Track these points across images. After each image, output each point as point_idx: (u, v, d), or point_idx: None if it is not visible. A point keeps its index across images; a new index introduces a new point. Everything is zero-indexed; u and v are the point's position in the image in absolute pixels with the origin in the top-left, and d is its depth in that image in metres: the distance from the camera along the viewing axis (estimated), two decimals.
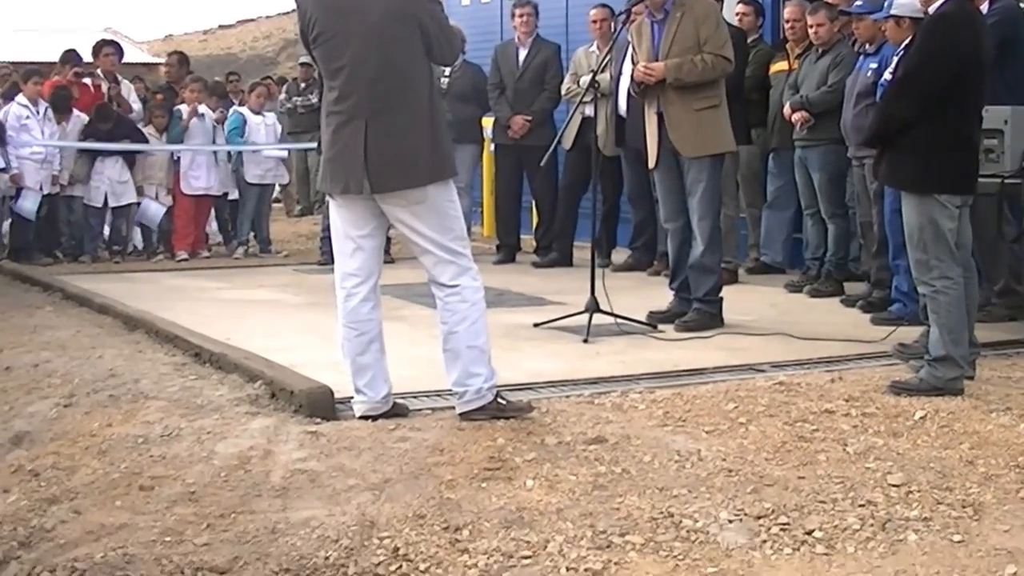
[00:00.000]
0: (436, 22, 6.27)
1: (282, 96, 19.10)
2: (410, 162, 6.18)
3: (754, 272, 11.39)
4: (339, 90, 6.27)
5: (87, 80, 13.89)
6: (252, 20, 71.90)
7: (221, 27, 72.17)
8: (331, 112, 6.32)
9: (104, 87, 13.90)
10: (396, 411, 6.43)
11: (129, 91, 14.41)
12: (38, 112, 13.05)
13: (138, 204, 13.56)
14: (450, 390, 6.41)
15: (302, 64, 20.21)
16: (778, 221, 11.33)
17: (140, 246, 13.84)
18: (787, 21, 11.01)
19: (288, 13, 69.64)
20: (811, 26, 10.35)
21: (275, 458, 5.73)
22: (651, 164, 9.08)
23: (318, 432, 6.07)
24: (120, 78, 14.44)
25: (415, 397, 6.78)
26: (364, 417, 6.34)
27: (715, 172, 8.94)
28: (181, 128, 13.56)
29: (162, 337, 8.59)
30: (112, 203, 13.36)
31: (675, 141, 8.82)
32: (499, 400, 6.30)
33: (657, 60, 8.84)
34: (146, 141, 13.50)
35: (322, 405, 6.49)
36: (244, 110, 14.22)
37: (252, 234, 14.21)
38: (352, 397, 6.46)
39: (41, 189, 12.96)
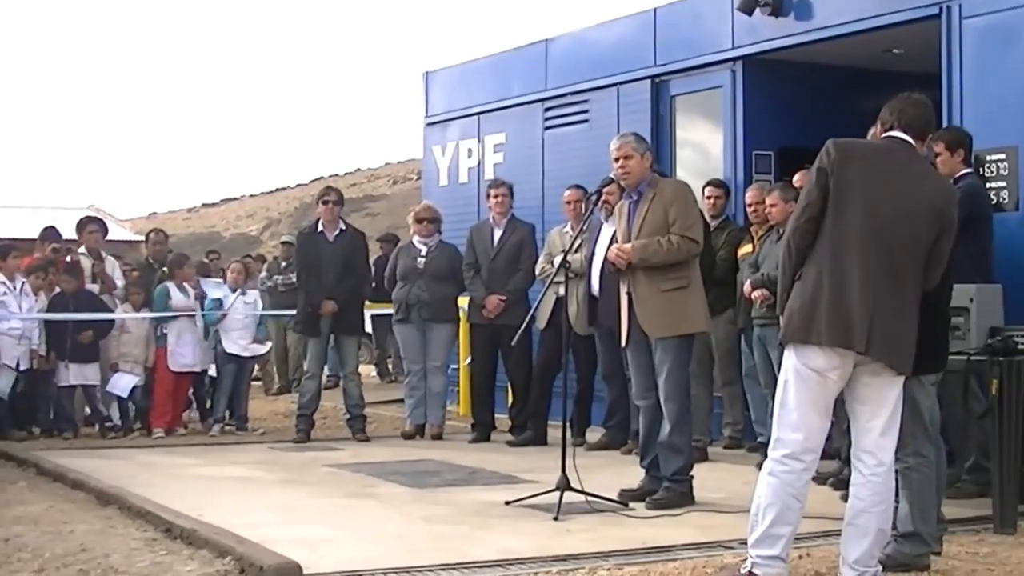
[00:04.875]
0: (946, 246, 6.43)
1: (263, 275, 19.24)
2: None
3: (753, 450, 11.30)
4: None
5: (66, 257, 14.00)
6: (236, 199, 72.88)
7: (205, 205, 73.11)
8: None
9: (86, 264, 13.98)
10: None
11: (113, 268, 14.48)
12: (15, 288, 13.12)
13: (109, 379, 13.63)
14: (424, 566, 6.45)
15: (283, 243, 20.47)
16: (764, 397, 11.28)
17: (118, 422, 13.77)
18: (749, 204, 11.25)
19: (271, 192, 70.58)
20: (766, 206, 10.57)
21: None
22: (623, 342, 9.21)
23: None
24: (104, 255, 14.54)
25: (384, 574, 6.77)
26: None
27: (682, 352, 9.05)
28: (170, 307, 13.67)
29: (134, 512, 8.59)
30: (75, 381, 13.42)
31: (642, 321, 8.96)
32: None
33: (629, 240, 9.02)
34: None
35: None
36: (222, 289, 14.36)
37: (228, 411, 14.23)
38: (321, 574, 6.46)
39: (18, 366, 12.99)
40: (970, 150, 9.30)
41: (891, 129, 6.57)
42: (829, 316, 6.21)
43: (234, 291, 14.24)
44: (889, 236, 6.26)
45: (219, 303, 14.07)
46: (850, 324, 6.18)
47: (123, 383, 13.62)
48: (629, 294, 9.03)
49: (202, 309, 13.95)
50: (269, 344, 16.18)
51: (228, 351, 14.03)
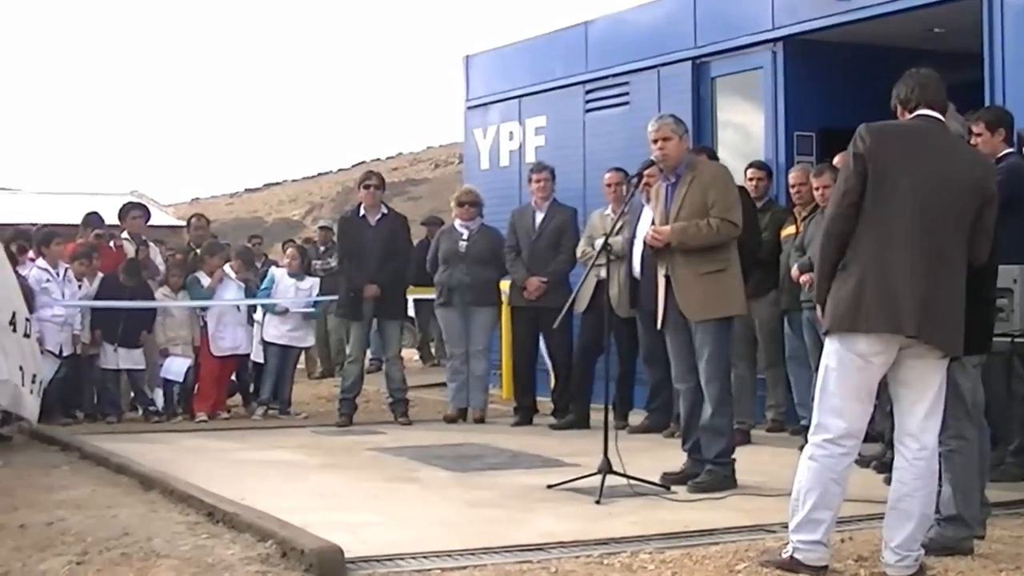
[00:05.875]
0: (990, 218, 6.45)
1: None
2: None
3: (797, 434, 11.24)
4: None
5: (109, 242, 14.07)
6: (278, 183, 73.04)
7: (248, 190, 73.33)
8: None
9: (130, 249, 14.04)
10: None
11: (156, 254, 14.56)
12: (58, 275, 13.16)
13: (161, 364, 13.68)
14: (466, 550, 6.55)
15: (321, 227, 20.48)
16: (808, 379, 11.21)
17: (161, 407, 13.81)
18: (792, 186, 11.22)
19: (314, 177, 70.73)
20: (816, 188, 10.49)
21: None
22: (659, 325, 9.18)
23: None
24: (148, 240, 14.61)
25: (425, 557, 6.78)
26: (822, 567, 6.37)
27: (721, 335, 9.02)
28: (207, 291, 13.73)
29: (177, 496, 8.62)
30: (124, 365, 13.48)
31: (681, 304, 8.93)
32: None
33: (667, 223, 8.99)
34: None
35: (332, 565, 6.49)
36: (281, 272, 14.45)
37: (272, 395, 14.26)
38: (363, 558, 6.49)
39: (61, 352, 13.05)
40: (1011, 129, 9.20)
41: (916, 107, 6.53)
42: (877, 302, 6.16)
43: (292, 277, 14.33)
44: (931, 215, 6.22)
45: (273, 279, 14.17)
46: (899, 309, 6.14)
47: (176, 367, 13.67)
48: (667, 276, 9.01)
49: (251, 295, 14.02)
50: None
51: (266, 339, 14.08)
